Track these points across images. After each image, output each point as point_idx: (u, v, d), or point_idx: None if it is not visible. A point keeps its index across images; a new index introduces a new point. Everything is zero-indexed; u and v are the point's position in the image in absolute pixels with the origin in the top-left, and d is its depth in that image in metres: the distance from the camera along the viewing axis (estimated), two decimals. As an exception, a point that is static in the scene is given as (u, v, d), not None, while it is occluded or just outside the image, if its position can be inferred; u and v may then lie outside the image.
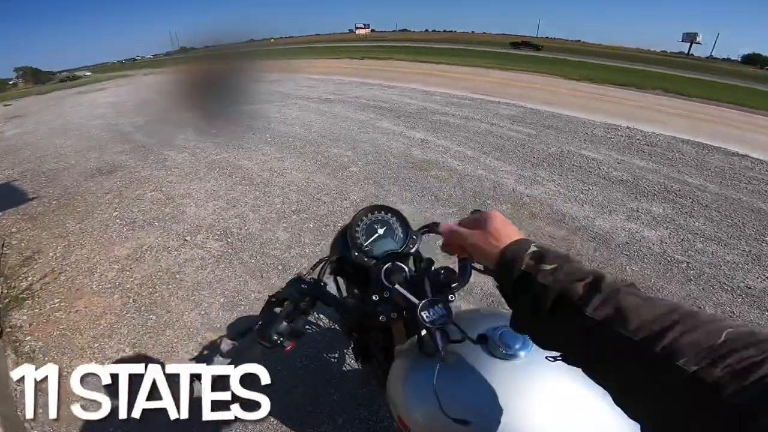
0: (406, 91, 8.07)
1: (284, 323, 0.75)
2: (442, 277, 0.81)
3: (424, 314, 0.64)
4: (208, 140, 5.54)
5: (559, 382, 0.66)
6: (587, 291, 0.43)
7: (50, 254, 2.96)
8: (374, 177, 3.99)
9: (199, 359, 2.00)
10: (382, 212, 0.92)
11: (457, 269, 0.84)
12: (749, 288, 2.35)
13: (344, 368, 1.87)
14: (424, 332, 0.70)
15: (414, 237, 0.90)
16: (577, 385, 0.64)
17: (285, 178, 4.10)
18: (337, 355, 1.93)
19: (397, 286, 0.68)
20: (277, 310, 0.79)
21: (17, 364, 1.95)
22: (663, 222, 3.06)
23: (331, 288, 0.90)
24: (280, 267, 2.66)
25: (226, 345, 0.79)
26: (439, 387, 0.60)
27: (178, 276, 2.62)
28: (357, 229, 0.89)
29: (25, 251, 3.02)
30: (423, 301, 0.65)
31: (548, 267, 0.47)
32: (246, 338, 0.79)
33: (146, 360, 2.02)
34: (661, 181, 3.81)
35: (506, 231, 0.56)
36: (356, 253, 0.86)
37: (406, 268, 0.78)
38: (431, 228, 0.95)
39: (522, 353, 0.69)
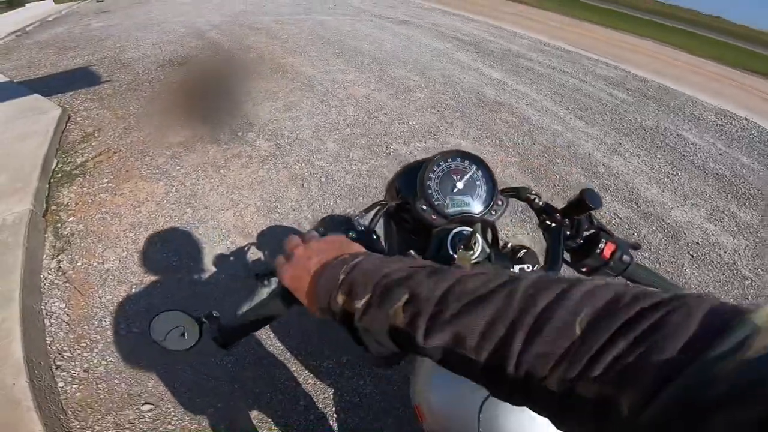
0: (492, 28, 7.20)
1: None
2: (519, 258, 0.66)
3: None
4: (276, 44, 5.36)
5: None
6: (410, 318, 0.34)
7: (109, 133, 3.01)
8: (438, 107, 3.69)
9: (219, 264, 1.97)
10: (467, 161, 0.71)
11: (543, 255, 0.68)
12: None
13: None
14: None
15: (500, 202, 0.70)
16: None
17: (346, 91, 3.90)
18: None
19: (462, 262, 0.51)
20: None
21: (54, 248, 1.93)
22: (746, 231, 2.61)
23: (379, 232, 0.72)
24: (323, 179, 2.59)
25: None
26: (486, 421, 0.49)
27: (221, 171, 2.61)
28: (431, 175, 0.69)
29: (87, 128, 3.10)
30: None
31: (360, 303, 0.37)
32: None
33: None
34: (761, 186, 3.21)
35: (319, 248, 0.45)
36: (424, 206, 0.67)
37: (480, 242, 0.60)
38: (519, 193, 0.75)
39: None
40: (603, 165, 3.10)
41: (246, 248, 2.04)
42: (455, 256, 0.59)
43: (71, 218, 2.15)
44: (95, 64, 4.72)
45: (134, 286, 1.79)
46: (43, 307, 1.66)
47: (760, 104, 5.50)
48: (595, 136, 3.53)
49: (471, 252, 0.59)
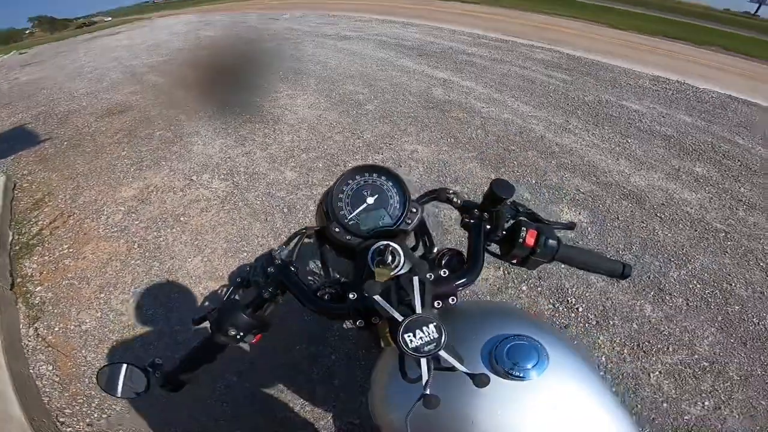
0: (432, 30, 7.39)
1: (244, 315, 0.59)
2: (444, 263, 0.65)
3: (408, 338, 0.47)
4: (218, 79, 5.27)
5: (578, 407, 0.54)
6: None
7: (60, 196, 2.92)
8: (390, 116, 3.70)
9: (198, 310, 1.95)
10: (375, 174, 0.70)
11: (466, 251, 0.66)
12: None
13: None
14: None
15: (414, 209, 0.69)
16: (601, 409, 0.55)
17: (296, 116, 3.85)
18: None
19: (376, 297, 0.49)
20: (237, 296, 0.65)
21: (28, 317, 1.96)
22: (706, 185, 2.73)
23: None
24: (285, 210, 2.52)
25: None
26: (416, 423, 0.48)
27: (182, 219, 2.55)
28: (340, 195, 0.68)
29: (36, 194, 3.00)
30: (407, 320, 0.47)
31: None
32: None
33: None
34: (708, 140, 3.39)
35: None
36: (336, 228, 0.66)
37: (401, 253, 0.59)
38: (439, 195, 0.74)
39: (534, 373, 0.53)
40: (556, 144, 3.18)
41: (219, 291, 2.01)
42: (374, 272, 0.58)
43: (39, 288, 2.13)
44: (30, 121, 4.51)
45: (115, 343, 1.80)
46: (31, 371, 1.70)
47: (686, 66, 5.89)
48: (543, 119, 3.63)
49: (389, 266, 0.58)
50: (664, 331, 1.71)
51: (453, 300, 0.57)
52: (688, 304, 1.84)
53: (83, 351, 1.77)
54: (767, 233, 2.28)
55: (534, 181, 2.71)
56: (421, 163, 2.94)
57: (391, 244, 0.61)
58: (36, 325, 1.92)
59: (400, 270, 0.60)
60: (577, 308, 1.81)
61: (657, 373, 1.55)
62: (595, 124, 3.57)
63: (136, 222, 2.56)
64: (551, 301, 1.85)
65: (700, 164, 2.97)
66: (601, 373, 1.58)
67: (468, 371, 0.47)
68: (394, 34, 7.16)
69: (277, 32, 8.13)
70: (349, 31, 7.63)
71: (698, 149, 3.20)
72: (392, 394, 0.62)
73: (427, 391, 0.45)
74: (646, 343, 1.66)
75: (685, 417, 1.42)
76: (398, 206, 0.69)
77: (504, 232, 0.69)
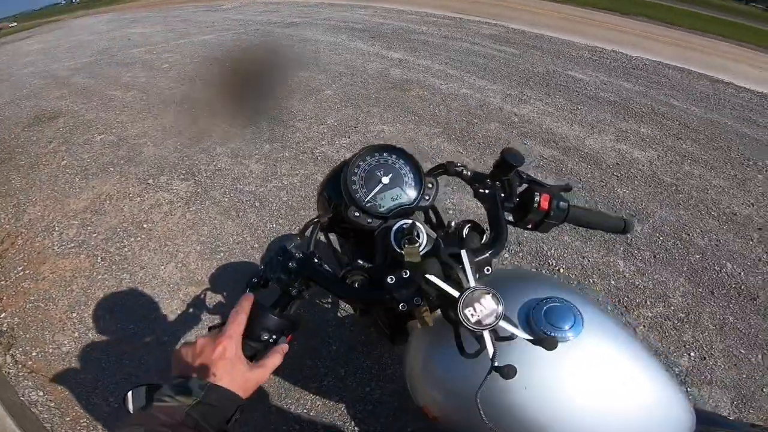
0: (380, 11, 7.29)
1: (273, 316, 0.55)
2: (466, 235, 0.64)
3: (468, 312, 0.46)
4: (158, 75, 4.89)
5: (617, 365, 0.55)
6: None
7: (1, 217, 2.61)
8: (351, 99, 3.64)
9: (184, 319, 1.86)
10: (385, 153, 0.69)
11: (488, 224, 0.66)
12: None
13: (339, 314, 1.75)
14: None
15: (431, 184, 0.68)
16: (639, 366, 0.56)
17: (254, 107, 3.67)
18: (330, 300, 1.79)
19: (430, 276, 0.48)
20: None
21: (1, 345, 1.80)
22: (652, 144, 2.96)
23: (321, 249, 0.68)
24: (257, 204, 2.42)
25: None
26: (486, 397, 0.46)
27: (144, 225, 2.38)
28: (353, 179, 0.66)
29: None
30: (465, 294, 0.46)
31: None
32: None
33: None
34: (648, 103, 3.67)
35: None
36: (356, 213, 0.63)
37: (423, 230, 0.59)
38: (447, 169, 0.73)
39: (571, 334, 0.54)
40: (515, 115, 3.30)
41: (202, 295, 1.92)
42: (403, 252, 0.56)
43: (2, 314, 1.95)
44: None
45: (103, 362, 1.68)
46: (22, 399, 1.62)
47: (618, 36, 6.28)
48: (499, 91, 3.74)
49: (416, 244, 0.57)
50: (639, 285, 1.85)
51: (488, 270, 0.57)
52: (655, 257, 1.99)
53: (70, 373, 1.67)
54: (713, 183, 2.52)
55: (500, 150, 2.80)
56: (389, 142, 2.93)
57: (416, 222, 0.60)
58: (11, 352, 1.78)
59: (425, 248, 0.59)
60: (559, 269, 1.92)
61: (642, 327, 1.67)
62: (547, 93, 3.74)
63: (94, 234, 2.35)
64: (533, 265, 1.95)
65: (644, 125, 3.22)
66: (634, 332, 1.64)
67: (530, 337, 0.47)
68: (342, 17, 6.98)
69: (215, 23, 7.65)
70: (295, 17, 7.34)
71: (640, 112, 3.45)
72: (439, 372, 0.61)
73: (496, 363, 0.45)
74: (626, 298, 1.79)
75: (676, 369, 1.52)
76: (413, 183, 0.68)
77: (517, 199, 0.71)
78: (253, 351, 0.55)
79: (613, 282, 1.86)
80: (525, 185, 0.73)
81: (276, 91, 3.96)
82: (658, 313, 1.73)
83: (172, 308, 1.87)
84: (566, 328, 0.54)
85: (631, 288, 1.84)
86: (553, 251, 2.00)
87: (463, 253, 0.50)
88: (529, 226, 0.71)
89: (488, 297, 0.46)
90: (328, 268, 0.60)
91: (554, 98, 3.65)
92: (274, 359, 0.53)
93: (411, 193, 0.67)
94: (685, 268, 1.93)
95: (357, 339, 1.64)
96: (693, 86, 4.15)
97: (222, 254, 2.12)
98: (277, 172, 2.70)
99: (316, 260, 0.60)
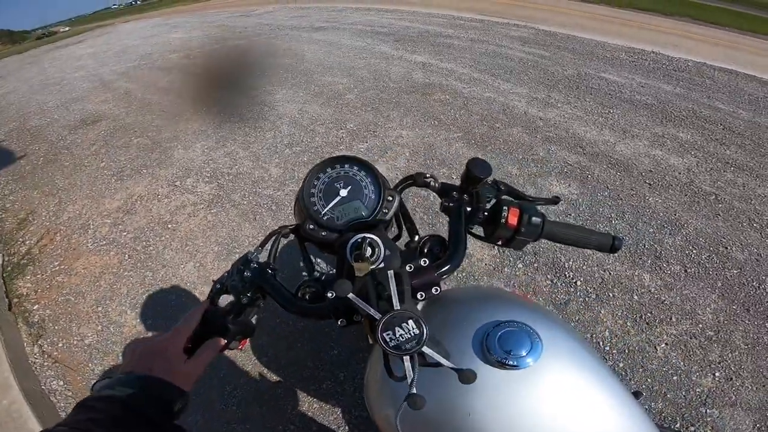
0: (406, 14, 7.29)
1: (225, 323, 0.57)
2: (426, 251, 0.63)
3: (387, 336, 0.44)
4: (193, 80, 5.13)
5: (579, 391, 0.52)
6: None
7: (43, 214, 2.85)
8: (372, 103, 3.64)
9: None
10: (345, 165, 0.67)
11: (447, 236, 0.64)
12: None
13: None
14: None
15: (390, 197, 0.66)
16: (601, 390, 0.53)
17: (276, 111, 3.76)
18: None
19: (350, 295, 0.45)
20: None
21: (30, 336, 1.94)
22: (691, 150, 2.76)
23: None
24: (273, 207, 2.47)
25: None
26: (409, 420, 0.46)
27: (170, 226, 2.49)
28: (312, 191, 0.65)
29: (20, 213, 2.93)
30: (385, 317, 0.44)
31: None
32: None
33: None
34: (689, 106, 3.42)
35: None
36: (310, 225, 0.63)
37: (381, 245, 0.57)
38: (416, 180, 0.71)
39: (530, 359, 0.51)
40: (540, 119, 3.17)
41: (211, 287, 1.98)
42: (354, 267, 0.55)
43: (36, 306, 2.11)
44: (3, 139, 4.37)
45: (120, 354, 1.79)
46: (43, 387, 1.70)
47: (658, 37, 5.93)
48: (525, 95, 3.62)
49: (366, 260, 0.55)
50: (665, 300, 1.72)
51: (437, 290, 0.54)
52: (686, 271, 1.85)
53: (90, 365, 1.77)
54: (757, 193, 2.31)
55: (521, 156, 2.70)
56: (407, 147, 2.90)
57: (368, 236, 0.58)
58: (39, 342, 1.91)
59: (381, 262, 0.58)
60: (576, 282, 1.82)
61: (663, 345, 1.55)
62: (577, 97, 3.57)
63: (124, 233, 2.49)
64: (549, 276, 1.85)
65: (683, 130, 3.00)
66: (599, 354, 1.58)
67: (453, 366, 0.44)
68: (368, 21, 7.04)
69: (248, 28, 7.93)
70: (323, 22, 7.48)
71: (680, 116, 3.23)
72: (385, 390, 0.60)
73: (413, 390, 0.43)
74: (649, 315, 1.66)
75: (697, 389, 1.41)
76: (373, 195, 0.66)
77: (486, 213, 0.66)
78: None
79: (636, 297, 1.74)
80: (496, 199, 0.68)
81: (300, 95, 4.03)
82: (683, 330, 1.60)
83: (187, 305, 1.94)
84: (523, 354, 0.51)
85: (655, 304, 1.70)
86: (571, 263, 1.89)
87: (390, 273, 0.47)
88: (499, 243, 0.66)
89: (410, 322, 0.44)
90: (279, 282, 0.61)
91: (584, 102, 3.48)
92: (207, 354, 0.55)
93: (370, 207, 0.65)
94: (719, 284, 1.77)
95: (358, 345, 1.63)
96: (741, 88, 3.83)
97: (238, 255, 2.18)
98: (295, 176, 2.73)
99: (270, 271, 0.61)
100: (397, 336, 0.44)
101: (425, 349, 0.44)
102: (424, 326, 0.44)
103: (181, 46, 7.39)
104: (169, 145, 3.44)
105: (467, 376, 0.43)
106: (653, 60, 4.64)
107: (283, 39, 6.53)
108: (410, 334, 0.44)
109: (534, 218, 0.63)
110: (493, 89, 3.77)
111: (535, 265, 1.91)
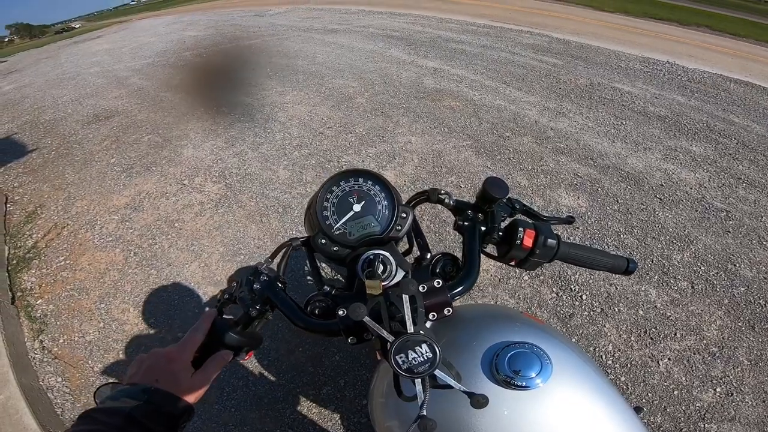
0: (419, 19, 7.29)
1: (233, 334, 0.56)
2: (438, 270, 0.62)
3: (399, 359, 0.43)
4: (202, 78, 5.18)
5: (587, 413, 0.52)
6: None
7: (52, 208, 2.88)
8: (382, 108, 3.64)
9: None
10: (360, 179, 0.65)
11: (461, 255, 0.63)
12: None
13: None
14: None
15: (404, 214, 0.64)
16: (610, 413, 0.53)
17: (287, 113, 3.78)
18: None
19: (366, 318, 0.45)
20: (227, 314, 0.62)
21: (32, 331, 1.94)
22: (704, 164, 2.71)
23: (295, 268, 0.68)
24: (281, 210, 2.47)
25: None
26: None
27: (176, 225, 2.51)
28: (325, 204, 0.64)
29: (28, 206, 2.96)
30: (398, 341, 0.43)
31: None
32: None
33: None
34: (703, 119, 3.37)
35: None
36: (322, 239, 0.62)
37: (393, 263, 0.56)
38: (430, 197, 0.69)
39: (539, 380, 0.51)
40: (551, 129, 3.15)
41: (218, 296, 1.97)
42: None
43: (39, 301, 2.12)
44: (17, 131, 4.44)
45: (120, 352, 1.79)
46: (41, 383, 1.70)
47: (675, 47, 5.86)
48: (536, 104, 3.59)
49: (380, 277, 0.54)
50: (670, 316, 1.70)
51: (449, 311, 0.53)
52: (693, 287, 1.82)
53: (90, 362, 1.77)
54: (768, 210, 2.27)
55: (530, 167, 2.67)
56: (416, 154, 2.89)
57: (381, 253, 0.58)
58: (41, 338, 1.92)
59: (392, 279, 0.57)
60: (581, 296, 1.79)
61: (666, 360, 1.54)
62: (589, 107, 3.54)
63: (131, 230, 2.51)
64: (554, 289, 1.83)
65: (696, 143, 2.96)
66: (605, 373, 1.56)
67: (465, 389, 0.44)
68: (381, 24, 7.05)
69: (261, 28, 7.99)
70: (335, 24, 7.51)
71: (693, 129, 3.18)
72: (392, 406, 0.60)
73: (424, 412, 0.42)
74: (653, 330, 1.65)
75: (697, 404, 1.40)
76: (387, 212, 0.64)
77: (501, 233, 0.65)
78: None
79: (641, 312, 1.71)
80: (511, 219, 0.67)
81: (310, 97, 4.05)
82: (687, 346, 1.58)
83: (190, 305, 1.95)
84: (532, 375, 0.51)
85: (660, 319, 1.68)
86: (577, 276, 1.87)
87: (405, 298, 0.46)
88: (512, 263, 0.66)
89: (424, 345, 0.44)
90: (289, 295, 0.60)
91: (596, 112, 3.45)
92: (213, 367, 0.54)
93: (383, 223, 0.64)
94: (726, 301, 1.75)
95: (360, 352, 1.62)
96: (756, 101, 3.77)
97: (242, 256, 2.19)
98: (303, 179, 2.74)
99: (279, 284, 0.60)
100: (410, 359, 0.44)
101: (437, 372, 0.44)
102: (438, 350, 0.44)
103: (195, 45, 7.47)
104: (180, 143, 3.48)
105: (479, 401, 0.43)
106: (668, 71, 4.58)
107: (295, 40, 6.57)
108: (423, 357, 0.44)
109: (549, 240, 0.62)
110: (504, 97, 3.74)
111: (541, 277, 1.89)
